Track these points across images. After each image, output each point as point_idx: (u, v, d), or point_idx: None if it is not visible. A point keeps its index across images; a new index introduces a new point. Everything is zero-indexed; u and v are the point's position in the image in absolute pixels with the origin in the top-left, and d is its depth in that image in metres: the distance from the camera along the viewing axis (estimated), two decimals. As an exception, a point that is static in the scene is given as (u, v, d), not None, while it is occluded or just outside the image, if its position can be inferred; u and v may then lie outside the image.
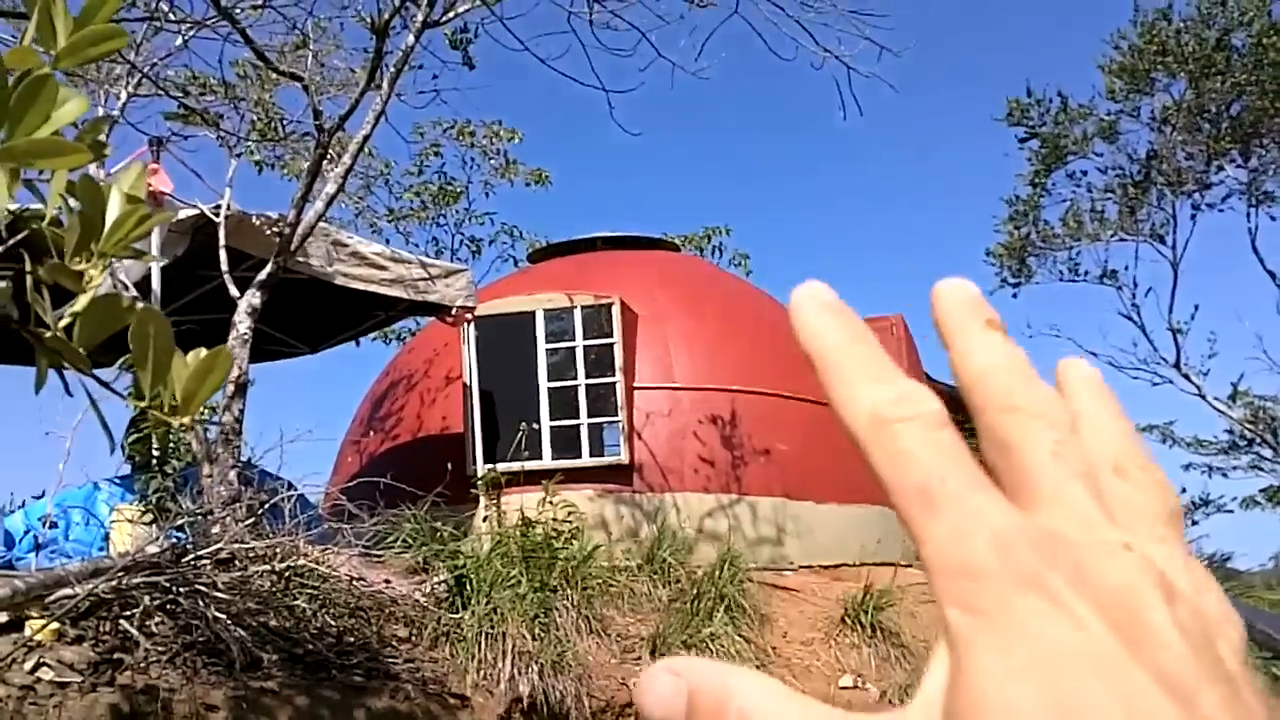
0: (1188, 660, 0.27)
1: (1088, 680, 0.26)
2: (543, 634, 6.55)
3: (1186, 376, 20.15)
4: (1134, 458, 0.33)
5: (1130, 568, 0.29)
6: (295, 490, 6.79)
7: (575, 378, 9.68)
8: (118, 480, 7.00)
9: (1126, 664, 0.27)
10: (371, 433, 10.37)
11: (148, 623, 5.42)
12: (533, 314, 9.87)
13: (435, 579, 6.71)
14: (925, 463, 0.31)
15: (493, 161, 15.77)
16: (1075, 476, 0.31)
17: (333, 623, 6.02)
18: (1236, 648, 0.29)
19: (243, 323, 7.35)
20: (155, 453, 6.67)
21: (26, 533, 6.77)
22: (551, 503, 7.60)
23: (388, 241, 13.88)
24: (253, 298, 7.40)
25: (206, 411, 7.03)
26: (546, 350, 9.73)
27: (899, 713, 0.30)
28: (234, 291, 7.51)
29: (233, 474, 6.79)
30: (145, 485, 6.50)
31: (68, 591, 5.35)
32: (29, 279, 1.22)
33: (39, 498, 7.03)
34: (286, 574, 6.06)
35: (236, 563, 5.96)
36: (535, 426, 9.30)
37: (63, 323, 1.18)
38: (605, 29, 8.84)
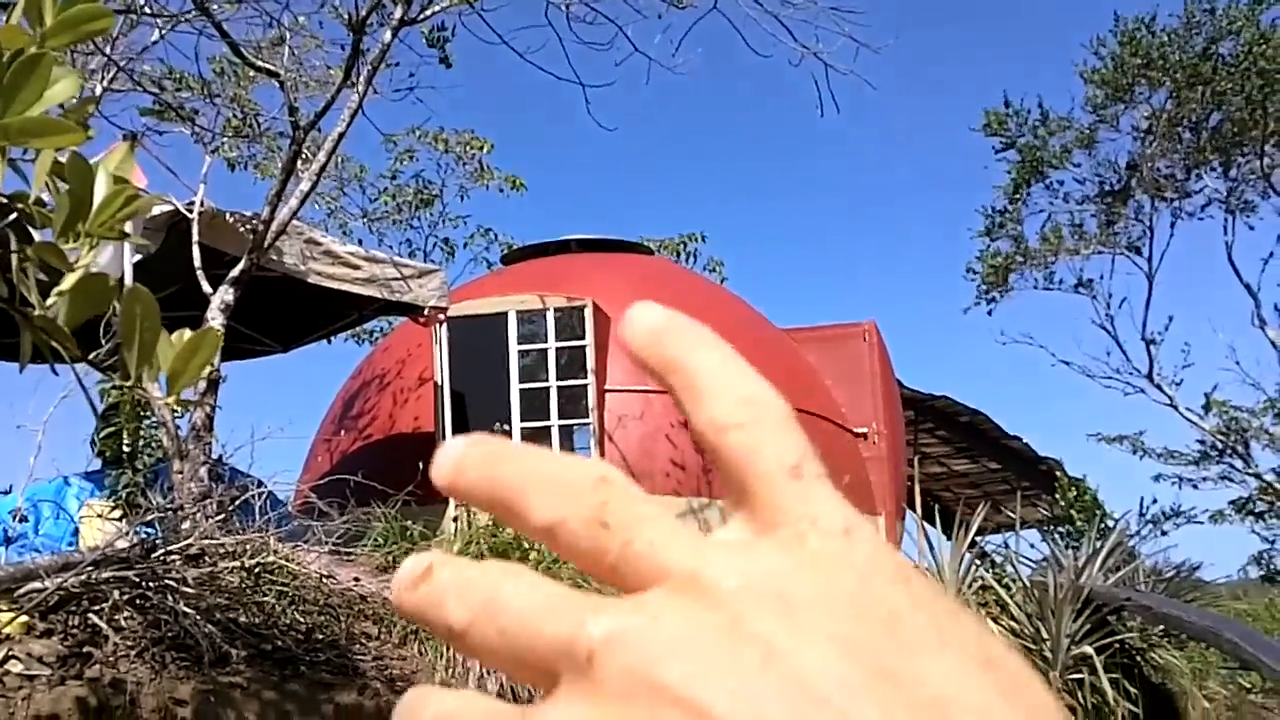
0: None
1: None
2: (512, 633, 6.56)
3: (1159, 387, 20.36)
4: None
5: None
6: (266, 487, 6.79)
7: (547, 379, 9.70)
8: (88, 475, 6.98)
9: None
10: (342, 431, 10.35)
11: (116, 617, 5.39)
12: (505, 315, 9.88)
13: (405, 578, 6.68)
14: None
15: (467, 166, 15.80)
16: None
17: (302, 619, 6.02)
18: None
19: (215, 319, 7.34)
20: (126, 448, 6.66)
21: (-5, 528, 6.75)
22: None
23: (360, 242, 13.86)
24: (225, 294, 7.38)
25: (178, 409, 7.03)
26: (518, 351, 9.74)
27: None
28: (207, 288, 7.48)
29: (203, 470, 6.78)
30: (115, 480, 6.48)
31: (36, 585, 5.32)
32: (14, 259, 1.23)
33: (8, 492, 7.00)
34: (256, 570, 6.06)
35: (206, 559, 5.95)
36: (506, 427, 9.31)
37: (49, 301, 1.19)
38: (582, 23, 8.88)
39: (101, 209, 1.16)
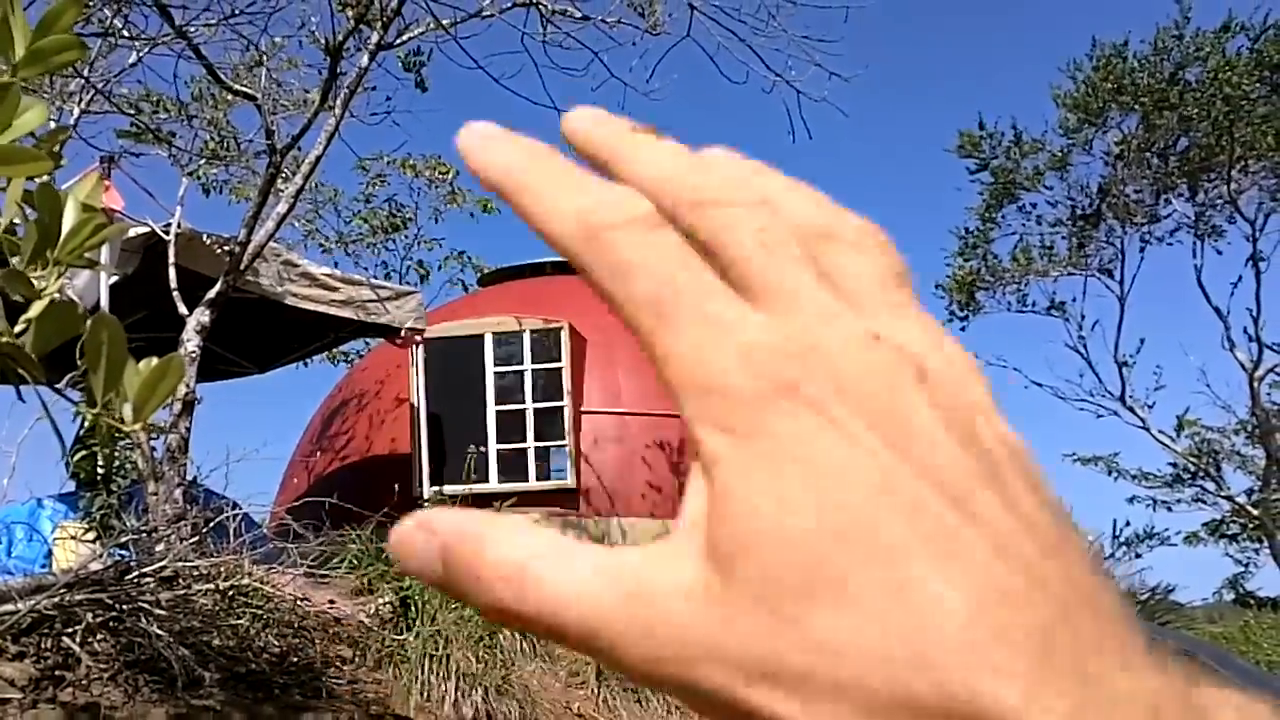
0: (958, 458, 0.25)
1: (864, 496, 0.24)
2: (488, 656, 6.55)
3: (1131, 409, 20.48)
4: (841, 217, 0.30)
5: (885, 363, 0.26)
6: (241, 509, 6.76)
7: (523, 401, 9.72)
8: (62, 497, 6.93)
9: (901, 474, 0.25)
10: (318, 453, 10.33)
11: (90, 640, 5.37)
12: (481, 337, 9.90)
13: (380, 600, 6.68)
14: (652, 271, 0.29)
15: (438, 189, 15.84)
16: (794, 262, 0.27)
17: (276, 642, 5.99)
18: (993, 421, 0.27)
19: (191, 341, 7.33)
20: (100, 470, 6.63)
21: (-32, 549, 6.69)
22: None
23: (336, 264, 13.86)
24: (201, 316, 7.36)
25: (154, 429, 6.98)
26: (495, 373, 9.76)
27: (660, 544, 0.27)
28: (183, 309, 7.48)
29: (178, 492, 6.76)
30: (90, 502, 6.45)
31: (9, 608, 5.27)
32: (-17, 286, 1.26)
33: None
34: (230, 593, 6.03)
35: (180, 581, 5.92)
36: (482, 449, 9.32)
37: (17, 328, 1.19)
38: (558, 48, 8.95)
39: (70, 237, 1.19)
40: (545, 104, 9.52)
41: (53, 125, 8.52)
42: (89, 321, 1.17)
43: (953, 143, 19.73)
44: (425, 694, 6.17)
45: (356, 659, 6.25)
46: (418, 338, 9.15)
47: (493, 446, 9.45)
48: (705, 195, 0.29)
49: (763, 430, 0.25)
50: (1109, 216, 19.55)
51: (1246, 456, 20.80)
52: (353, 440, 10.33)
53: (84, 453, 6.67)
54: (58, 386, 1.60)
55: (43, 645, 5.27)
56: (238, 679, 5.64)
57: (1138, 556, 21.21)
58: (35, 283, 1.16)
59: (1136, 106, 18.30)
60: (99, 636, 5.45)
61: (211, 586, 5.98)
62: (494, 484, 9.21)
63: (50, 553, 6.67)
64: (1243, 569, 22.73)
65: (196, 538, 6.34)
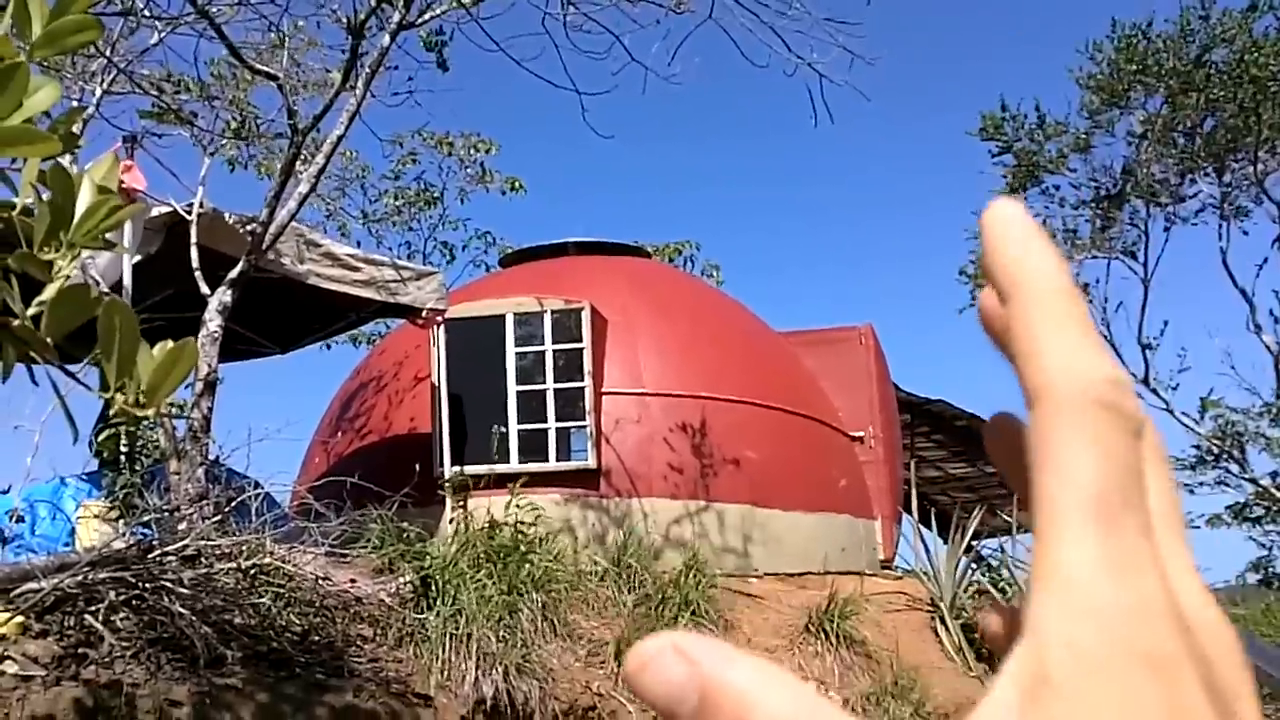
0: None
1: None
2: (508, 636, 6.56)
3: (1155, 392, 20.36)
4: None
5: (1177, 650, 0.28)
6: (263, 489, 6.78)
7: (544, 382, 9.71)
8: (85, 476, 6.98)
9: None
10: (339, 433, 10.35)
11: (112, 618, 5.38)
12: (503, 317, 9.89)
13: (401, 579, 6.69)
14: (1110, 473, 0.28)
15: (469, 170, 15.86)
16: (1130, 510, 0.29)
17: (297, 621, 6.01)
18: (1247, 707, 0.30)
19: (213, 321, 7.35)
20: (123, 449, 6.66)
21: (-8, 528, 6.75)
22: (519, 506, 7.62)
23: (359, 244, 13.92)
24: (224, 295, 7.40)
25: (174, 409, 7.03)
26: (516, 354, 9.74)
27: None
28: (205, 290, 7.50)
29: (200, 472, 6.78)
30: (113, 482, 6.49)
31: (33, 586, 5.30)
32: (-2, 268, 1.24)
33: (5, 492, 6.99)
34: (252, 572, 6.04)
35: (202, 560, 5.94)
36: (503, 430, 9.32)
37: (30, 311, 1.17)
38: (579, 31, 8.90)
39: (85, 219, 1.18)
40: (566, 87, 9.48)
41: (71, 105, 8.53)
42: (102, 304, 1.16)
43: (975, 126, 19.59)
44: (446, 673, 6.19)
45: (378, 638, 6.27)
46: (439, 318, 9.14)
47: (514, 427, 9.44)
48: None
49: (1114, 684, 0.27)
50: (1132, 198, 19.39)
51: (1271, 439, 20.63)
52: (373, 420, 10.34)
53: (107, 432, 6.71)
54: (71, 369, 1.59)
55: (66, 623, 5.29)
56: (260, 657, 5.65)
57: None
58: (50, 265, 1.17)
59: (1161, 89, 18.11)
60: (121, 615, 5.47)
61: (233, 565, 5.99)
62: (514, 464, 9.20)
63: (73, 531, 6.72)
64: (1266, 552, 22.59)
65: (219, 517, 6.35)
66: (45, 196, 1.20)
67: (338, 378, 12.13)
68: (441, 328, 9.17)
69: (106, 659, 5.19)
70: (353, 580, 6.59)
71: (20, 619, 5.13)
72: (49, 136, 1.08)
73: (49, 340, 1.17)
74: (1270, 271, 20.38)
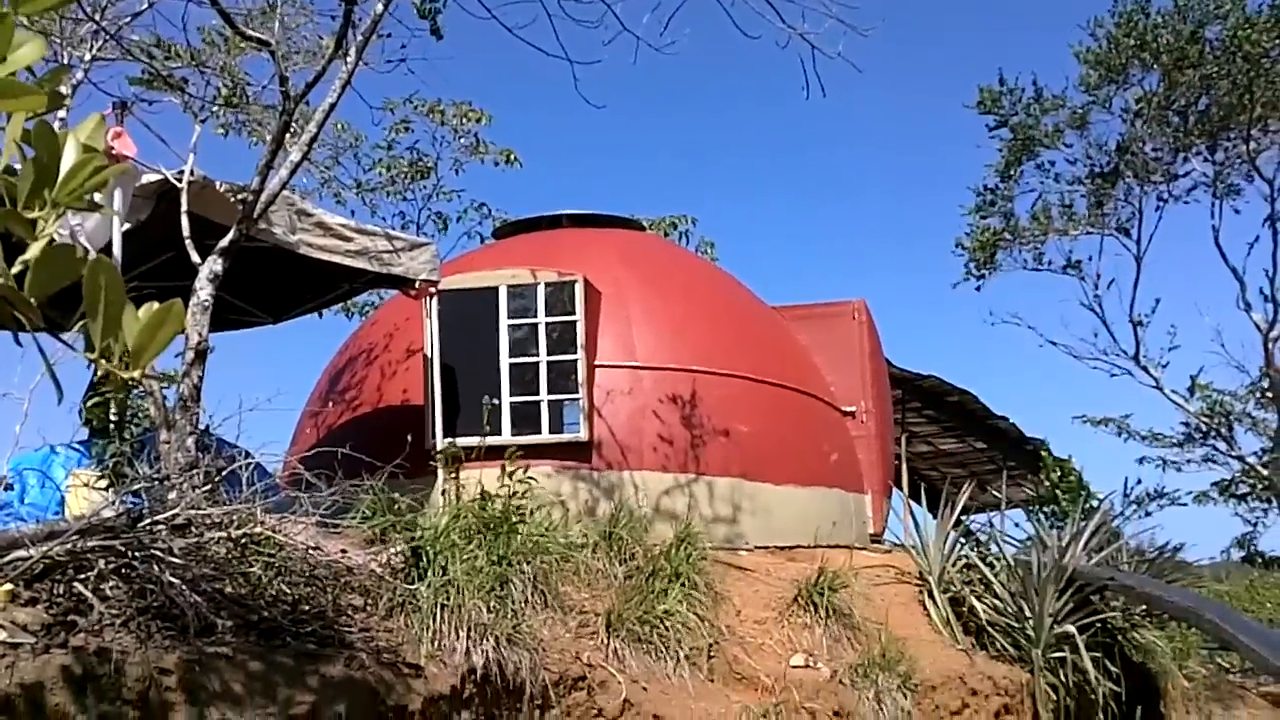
0: None
1: None
2: (498, 607, 6.55)
3: (1145, 369, 20.43)
4: None
5: None
6: (253, 459, 6.74)
7: (537, 354, 9.69)
8: (75, 445, 6.96)
9: None
10: (330, 404, 10.32)
11: (102, 586, 5.34)
12: (496, 290, 9.85)
13: (392, 550, 6.67)
14: None
15: (463, 140, 15.76)
16: None
17: (288, 590, 5.97)
18: None
19: (204, 289, 7.29)
20: (113, 418, 6.62)
21: (-20, 496, 6.72)
22: (510, 477, 7.60)
23: (353, 214, 13.85)
24: (214, 264, 7.31)
25: (163, 376, 6.99)
26: (509, 326, 9.72)
27: None
28: (195, 258, 7.43)
29: (190, 441, 6.74)
30: (102, 450, 6.45)
31: (22, 554, 5.25)
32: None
33: None
34: (243, 541, 6.00)
35: (193, 529, 5.91)
36: (495, 402, 9.29)
37: (14, 270, 1.15)
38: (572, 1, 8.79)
39: (69, 178, 1.15)
40: (559, 56, 9.39)
41: (55, 65, 8.42)
42: (86, 266, 1.16)
43: (973, 100, 19.55)
44: (436, 643, 6.17)
45: (369, 608, 6.24)
46: (432, 289, 9.10)
47: (506, 399, 9.42)
48: None
49: None
50: (1127, 175, 19.39)
51: (1258, 419, 20.73)
52: (365, 392, 10.32)
53: (96, 400, 6.67)
54: (56, 333, 1.57)
55: (55, 591, 5.24)
56: (250, 626, 5.61)
57: (1147, 515, 21.28)
58: (34, 224, 1.14)
59: (1157, 65, 18.11)
60: (111, 583, 5.42)
61: (224, 534, 5.95)
62: (507, 436, 9.18)
63: (63, 500, 6.69)
64: (1251, 528, 22.73)
65: (209, 486, 6.30)
66: (30, 155, 1.18)
67: (329, 349, 12.10)
68: (434, 299, 9.14)
69: (96, 627, 5.15)
70: (344, 551, 6.56)
71: (9, 587, 5.09)
72: (34, 90, 1.05)
73: (32, 301, 1.15)
74: (1260, 250, 20.37)
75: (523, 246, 11.12)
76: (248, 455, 6.77)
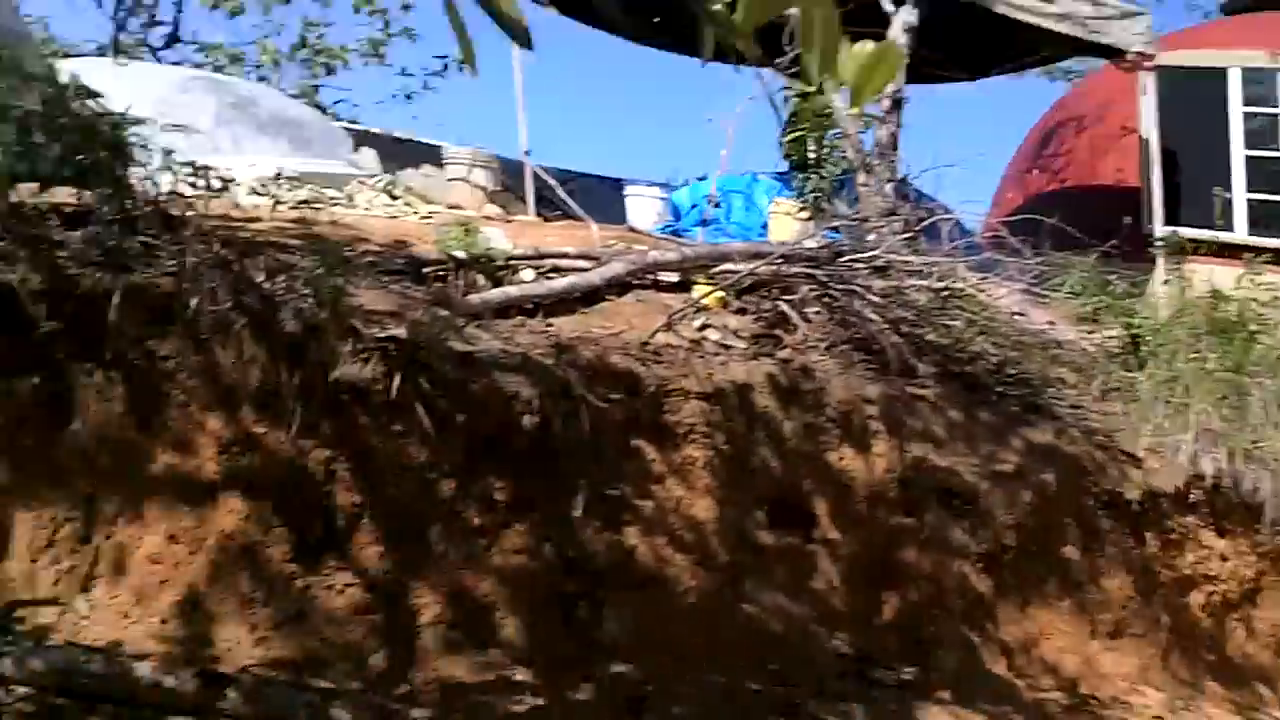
0: None
1: None
2: (1234, 417, 5.51)
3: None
4: None
5: None
6: (953, 214, 6.23)
7: (1277, 149, 8.08)
8: (775, 175, 6.93)
9: None
10: (1035, 170, 9.50)
11: (804, 309, 5.20)
12: (1224, 71, 8.32)
13: (1106, 333, 5.90)
14: None
15: None
16: None
17: (992, 350, 5.46)
18: None
19: (899, 39, 6.90)
20: (811, 155, 6.42)
21: (692, 208, 6.93)
22: (1251, 280, 6.37)
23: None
24: (907, 14, 6.99)
25: (863, 122, 6.62)
26: (1243, 114, 8.18)
27: None
28: (888, 6, 7.05)
29: (889, 187, 6.40)
30: (802, 184, 6.34)
31: (730, 267, 5.32)
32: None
33: (702, 179, 7.14)
34: (944, 293, 5.55)
35: (892, 272, 5.54)
36: (1226, 195, 7.92)
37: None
38: None
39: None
40: None
41: None
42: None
43: None
44: (1157, 438, 5.32)
45: (1079, 386, 5.55)
46: (1146, 64, 7.90)
47: (1240, 194, 7.98)
48: None
49: None
50: None
51: None
52: (1072, 165, 9.37)
53: (794, 135, 6.50)
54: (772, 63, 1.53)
55: (761, 306, 5.21)
56: (951, 377, 5.18)
57: None
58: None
59: None
60: (814, 309, 5.28)
61: (924, 284, 5.56)
62: (1241, 234, 7.78)
63: (765, 224, 6.66)
64: None
65: (908, 234, 5.95)
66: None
67: (1028, 113, 11.20)
68: (1150, 75, 7.91)
69: (800, 345, 4.97)
70: (1051, 322, 5.90)
71: (721, 294, 5.06)
72: None
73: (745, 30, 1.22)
74: None
75: (1259, 25, 9.30)
76: (947, 211, 6.24)
